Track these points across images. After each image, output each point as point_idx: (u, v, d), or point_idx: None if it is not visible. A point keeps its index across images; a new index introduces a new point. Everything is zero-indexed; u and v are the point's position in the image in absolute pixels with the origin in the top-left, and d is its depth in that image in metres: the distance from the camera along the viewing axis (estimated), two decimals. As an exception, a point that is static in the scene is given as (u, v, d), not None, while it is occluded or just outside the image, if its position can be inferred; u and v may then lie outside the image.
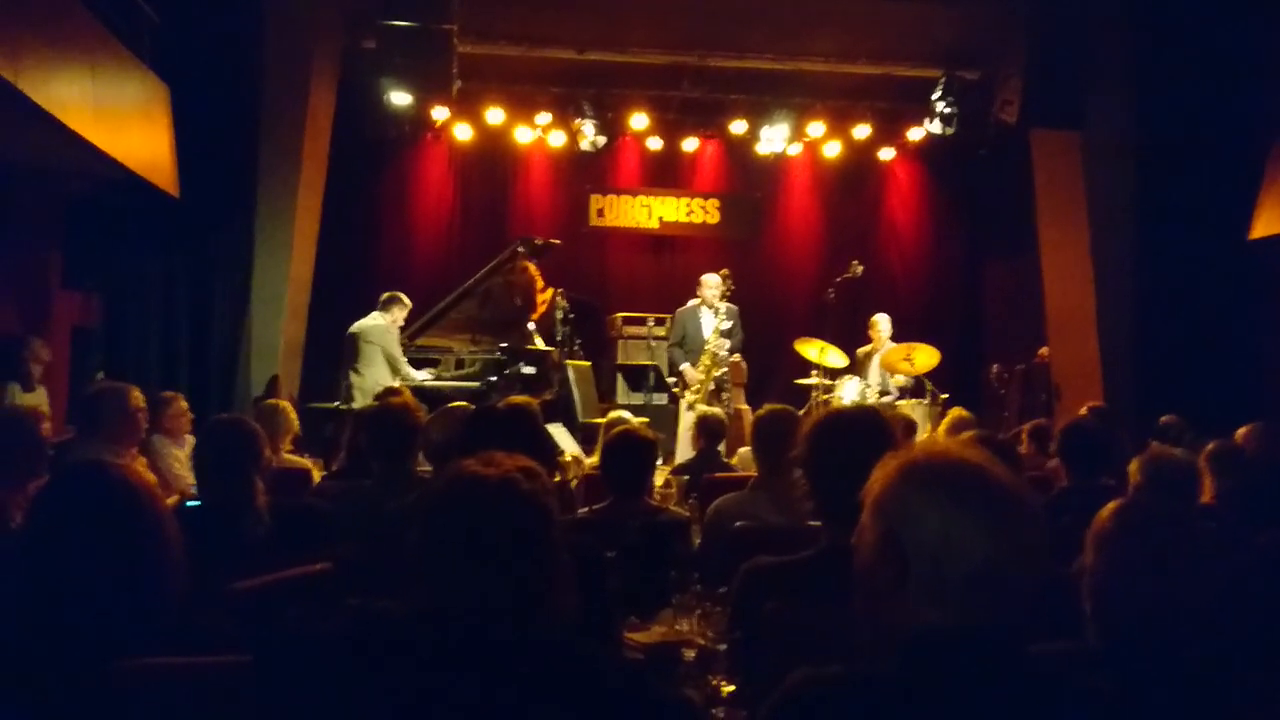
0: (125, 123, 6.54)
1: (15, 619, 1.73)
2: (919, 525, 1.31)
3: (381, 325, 7.55)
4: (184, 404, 5.45)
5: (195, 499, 3.29)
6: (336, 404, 7.48)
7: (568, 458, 5.22)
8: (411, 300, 7.95)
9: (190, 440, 5.41)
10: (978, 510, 1.30)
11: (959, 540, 1.29)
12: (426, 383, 7.63)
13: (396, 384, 6.88)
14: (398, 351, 7.53)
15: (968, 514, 1.29)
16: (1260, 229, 7.64)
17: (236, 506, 2.75)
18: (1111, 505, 1.88)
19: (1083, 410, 5.96)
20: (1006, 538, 1.29)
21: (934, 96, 9.40)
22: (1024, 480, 1.44)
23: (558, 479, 4.32)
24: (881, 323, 8.76)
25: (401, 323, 7.70)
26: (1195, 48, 7.79)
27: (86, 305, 8.13)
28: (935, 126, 9.50)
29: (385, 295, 7.72)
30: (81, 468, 2.02)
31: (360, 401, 6.95)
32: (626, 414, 5.86)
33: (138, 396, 4.20)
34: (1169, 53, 7.84)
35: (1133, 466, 3.35)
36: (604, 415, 8.32)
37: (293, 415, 5.31)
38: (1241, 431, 4.47)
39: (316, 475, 4.92)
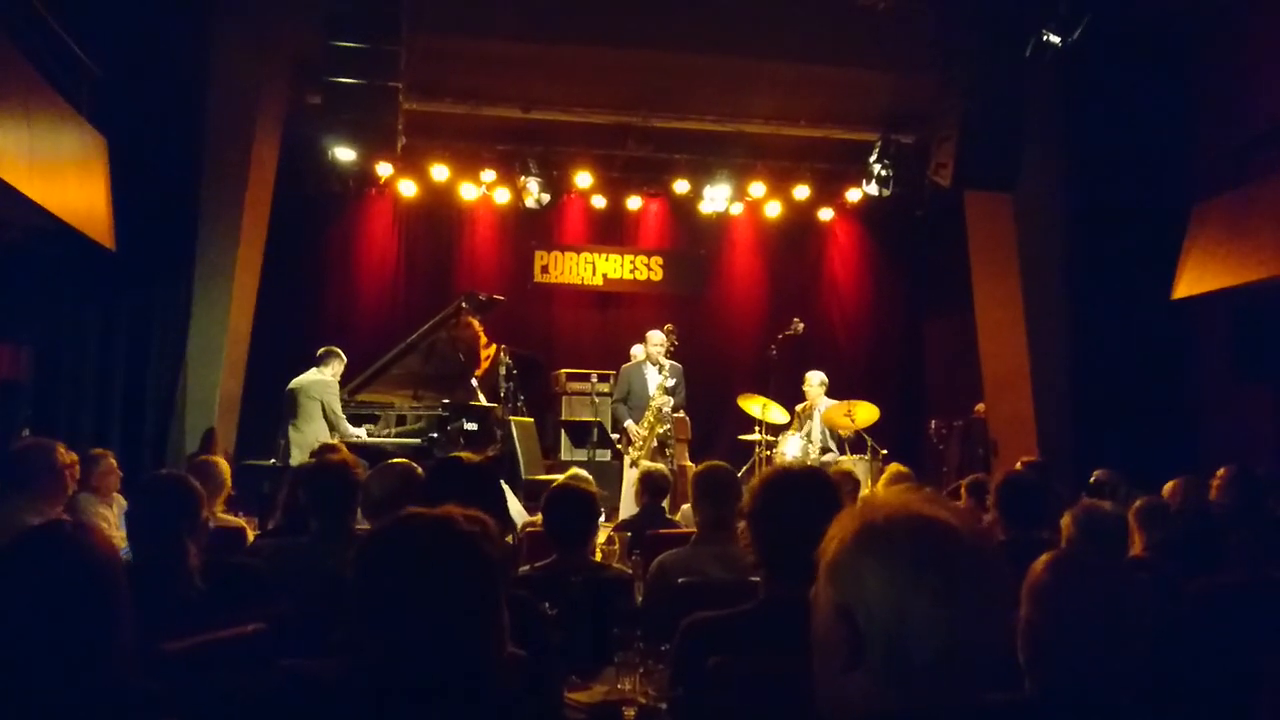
0: (61, 175, 6.44)
1: None
2: (874, 602, 1.17)
3: (323, 381, 7.47)
4: (113, 461, 5.32)
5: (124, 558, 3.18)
6: (273, 461, 7.34)
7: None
8: (354, 355, 7.89)
9: (119, 499, 5.26)
10: (939, 583, 1.15)
11: (917, 621, 1.15)
12: (366, 439, 7.53)
13: (334, 440, 6.78)
14: (338, 407, 7.45)
15: (927, 588, 1.15)
16: (1182, 290, 7.94)
17: (169, 565, 2.67)
18: (1045, 557, 1.92)
19: (1018, 464, 6.08)
20: (970, 614, 1.15)
21: (871, 159, 9.66)
22: (986, 531, 1.29)
23: (510, 539, 4.27)
24: (812, 379, 8.83)
25: (339, 377, 7.63)
26: (1121, 116, 8.16)
27: (14, 358, 7.91)
28: (872, 188, 9.75)
29: (322, 350, 7.66)
30: (46, 531, 1.93)
31: (298, 458, 6.83)
32: (582, 472, 5.83)
33: (65, 453, 4.09)
34: (1096, 121, 8.19)
35: (1065, 520, 3.43)
36: (547, 471, 8.28)
37: (227, 473, 5.19)
38: (1168, 487, 4.61)
39: (251, 534, 4.81)
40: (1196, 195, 8.06)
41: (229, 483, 5.20)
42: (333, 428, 7.35)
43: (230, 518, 5.16)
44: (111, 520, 5.08)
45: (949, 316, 10.73)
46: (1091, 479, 5.64)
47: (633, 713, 2.45)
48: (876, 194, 9.77)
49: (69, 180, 6.60)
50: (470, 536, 1.48)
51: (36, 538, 1.84)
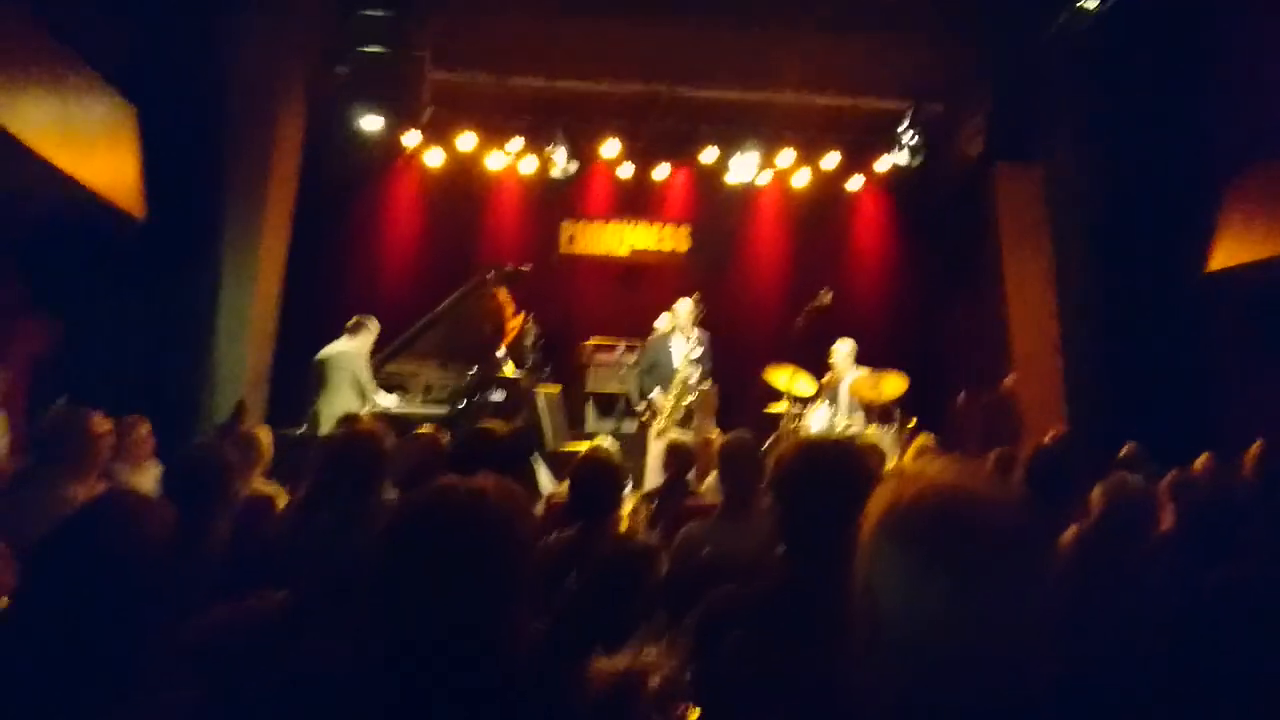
0: (92, 145, 6.50)
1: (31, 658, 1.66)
2: (889, 587, 1.15)
3: (352, 351, 7.50)
4: (147, 429, 5.38)
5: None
6: (303, 430, 7.41)
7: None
8: (381, 326, 7.92)
9: (153, 466, 5.33)
10: (953, 574, 1.11)
11: (929, 610, 1.12)
12: (395, 409, 7.58)
13: (363, 410, 6.83)
14: (368, 377, 7.48)
15: (941, 580, 1.12)
16: (1217, 262, 7.81)
17: (197, 535, 2.71)
18: (1071, 532, 1.91)
19: (1046, 438, 6.03)
20: (989, 600, 1.11)
21: (900, 128, 9.55)
22: (1019, 506, 1.22)
23: (539, 510, 4.30)
24: (840, 349, 8.76)
25: (370, 347, 7.66)
26: (1154, 84, 8.00)
27: (47, 331, 8.01)
28: (901, 158, 9.65)
29: (353, 320, 7.68)
30: (111, 501, 1.94)
31: (327, 428, 6.88)
32: (606, 441, 5.84)
33: (100, 422, 4.13)
34: (1129, 89, 8.03)
35: (1094, 494, 3.39)
36: (573, 442, 8.31)
37: (267, 443, 5.24)
38: (1198, 461, 4.55)
39: (281, 503, 4.85)
40: (1231, 166, 7.90)
41: (268, 454, 5.24)
42: (363, 398, 7.39)
43: (268, 487, 5.21)
44: (147, 488, 5.15)
45: (978, 288, 10.62)
46: (1121, 453, 5.59)
47: (657, 681, 2.47)
48: (906, 164, 9.67)
49: (99, 150, 6.65)
50: (501, 509, 1.48)
51: (103, 507, 1.85)
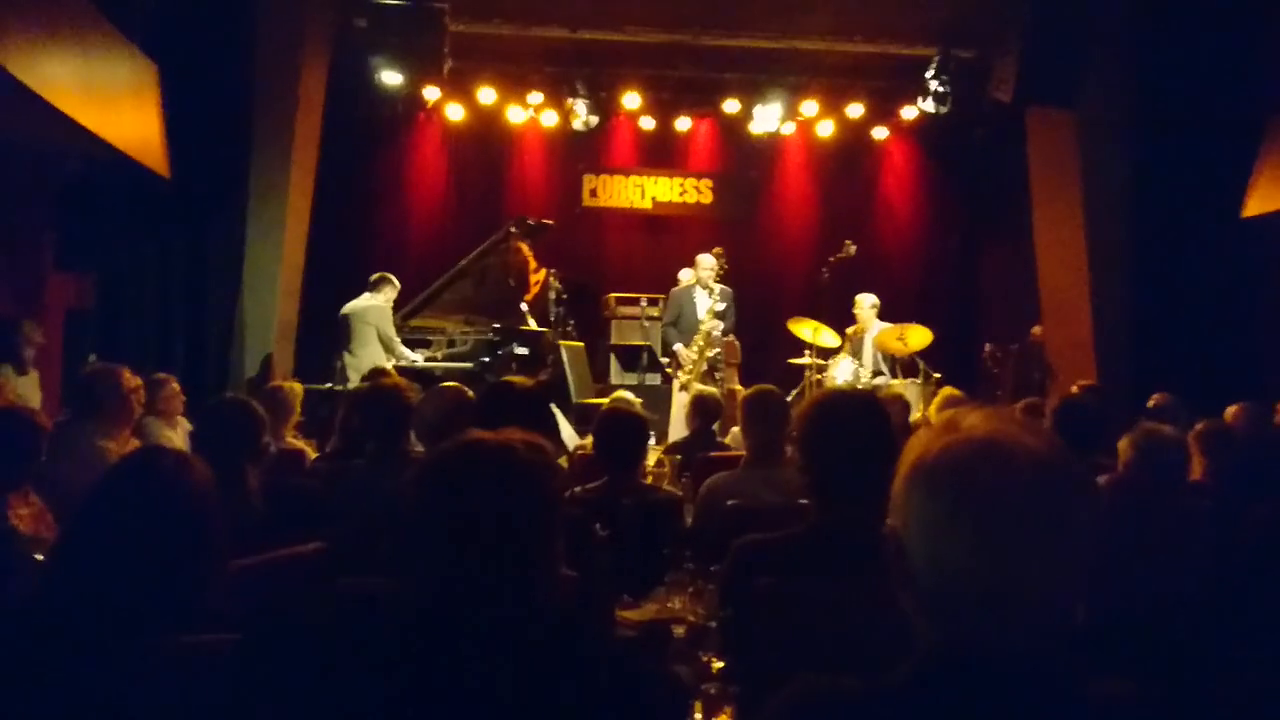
0: (115, 103, 6.49)
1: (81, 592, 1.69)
2: (914, 539, 1.14)
3: (376, 306, 7.57)
4: (177, 385, 5.45)
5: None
6: (330, 385, 7.49)
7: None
8: (405, 281, 7.96)
9: (183, 422, 5.41)
10: (976, 532, 1.09)
11: (952, 566, 1.11)
12: (420, 363, 7.64)
13: (389, 365, 6.88)
14: (393, 332, 7.56)
15: (965, 538, 1.10)
16: (1254, 207, 7.65)
17: (229, 488, 2.75)
18: (1101, 480, 1.90)
19: (1075, 388, 5.99)
20: (1018, 555, 1.09)
21: (928, 74, 9.37)
22: (1060, 454, 1.15)
23: (564, 462, 4.34)
24: (863, 301, 8.74)
25: (392, 303, 7.72)
26: (1191, 27, 7.78)
27: (80, 287, 8.11)
28: (929, 105, 9.48)
29: (375, 276, 7.74)
30: (150, 457, 1.96)
31: (354, 382, 6.96)
32: (629, 394, 5.87)
33: (131, 378, 4.20)
34: (1165, 31, 7.82)
35: (1123, 443, 3.36)
36: (597, 395, 8.35)
37: (297, 398, 5.30)
38: (1230, 411, 4.50)
39: (310, 457, 4.92)
40: (1269, 109, 7.71)
41: (298, 408, 5.31)
42: (388, 351, 7.46)
43: (298, 442, 5.28)
44: (177, 443, 5.22)
45: (1006, 238, 10.49)
46: (1150, 403, 5.53)
47: (683, 630, 2.50)
48: (933, 111, 9.50)
49: (123, 108, 6.65)
50: (530, 463, 1.49)
51: (141, 464, 1.87)
